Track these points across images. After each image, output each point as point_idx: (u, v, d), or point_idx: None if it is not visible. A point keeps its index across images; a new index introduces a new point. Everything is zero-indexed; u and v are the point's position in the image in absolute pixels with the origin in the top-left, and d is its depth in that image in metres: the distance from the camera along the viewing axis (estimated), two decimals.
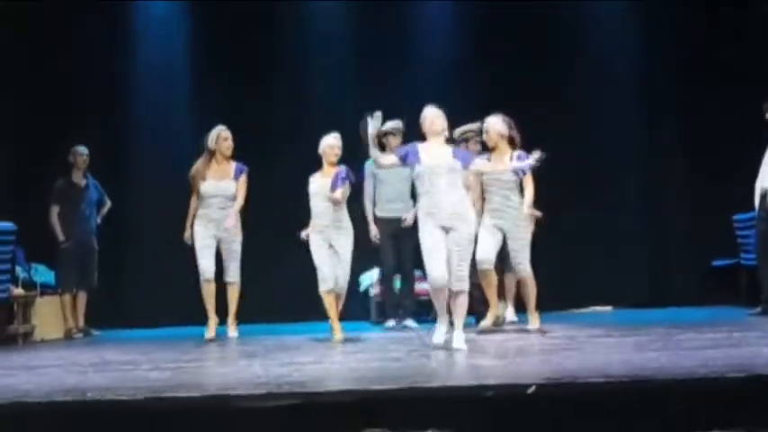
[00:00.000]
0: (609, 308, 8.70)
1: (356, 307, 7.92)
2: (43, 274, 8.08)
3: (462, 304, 5.56)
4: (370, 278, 8.37)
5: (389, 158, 5.96)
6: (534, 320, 6.64)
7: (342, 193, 6.57)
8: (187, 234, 7.14)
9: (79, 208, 8.03)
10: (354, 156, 6.84)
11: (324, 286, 6.66)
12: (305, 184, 6.76)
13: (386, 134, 7.35)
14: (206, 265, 7.06)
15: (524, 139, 7.77)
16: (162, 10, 9.21)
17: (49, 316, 7.92)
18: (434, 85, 8.63)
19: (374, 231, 7.64)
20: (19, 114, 8.37)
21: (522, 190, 6.58)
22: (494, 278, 6.66)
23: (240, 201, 7.17)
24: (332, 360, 5.14)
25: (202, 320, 8.19)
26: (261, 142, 8.43)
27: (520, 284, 6.86)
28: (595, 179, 8.89)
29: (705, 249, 8.78)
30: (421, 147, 5.63)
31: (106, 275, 8.16)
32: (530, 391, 3.65)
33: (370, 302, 8.46)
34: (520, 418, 3.66)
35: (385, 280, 7.85)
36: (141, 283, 8.69)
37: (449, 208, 5.48)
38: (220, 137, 7.19)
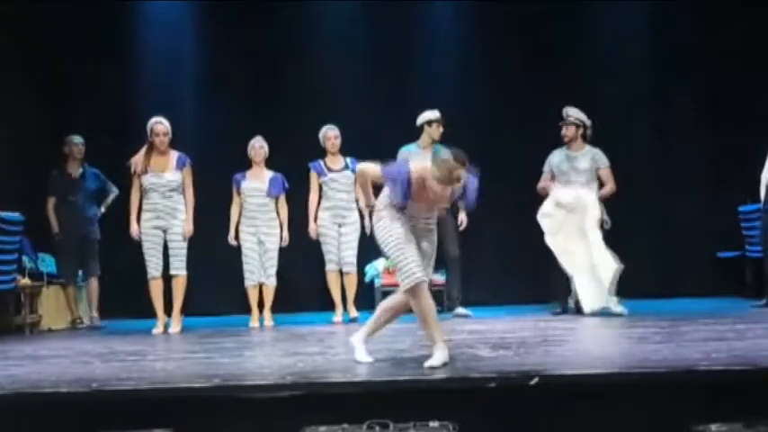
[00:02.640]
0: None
1: (361, 298, 7.91)
2: (50, 264, 8.06)
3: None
4: (375, 269, 8.37)
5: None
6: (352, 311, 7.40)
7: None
8: (134, 228, 7.05)
9: (75, 198, 7.89)
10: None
11: (251, 281, 7.29)
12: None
13: (430, 123, 7.41)
14: (152, 264, 7.06)
15: (539, 136, 7.85)
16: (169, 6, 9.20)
17: (55, 306, 7.95)
18: (444, 84, 8.71)
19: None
20: (28, 104, 8.36)
21: None
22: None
23: (191, 201, 7.06)
24: (336, 351, 5.16)
25: (207, 311, 8.25)
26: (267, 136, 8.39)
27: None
28: None
29: (710, 241, 8.78)
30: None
31: (112, 265, 8.14)
32: (532, 382, 3.67)
33: (374, 293, 8.46)
34: (522, 410, 3.68)
35: None
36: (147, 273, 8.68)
37: None
38: (153, 131, 7.03)
